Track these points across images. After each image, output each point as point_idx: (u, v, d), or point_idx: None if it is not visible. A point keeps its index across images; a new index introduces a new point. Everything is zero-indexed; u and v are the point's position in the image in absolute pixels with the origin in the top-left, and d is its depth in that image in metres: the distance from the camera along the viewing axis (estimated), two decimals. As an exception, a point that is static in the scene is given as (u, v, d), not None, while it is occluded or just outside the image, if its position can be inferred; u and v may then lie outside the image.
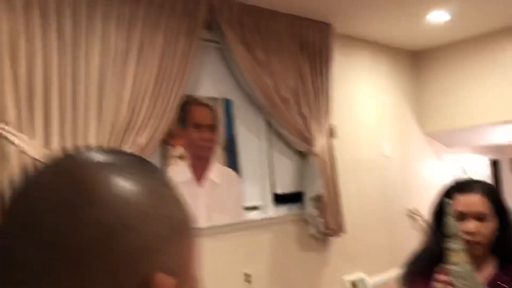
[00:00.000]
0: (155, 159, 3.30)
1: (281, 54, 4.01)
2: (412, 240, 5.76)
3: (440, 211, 1.47)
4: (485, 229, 1.44)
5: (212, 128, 3.61)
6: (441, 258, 1.35)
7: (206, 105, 3.61)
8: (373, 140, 5.14)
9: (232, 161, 3.74)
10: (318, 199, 4.13)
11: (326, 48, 4.44)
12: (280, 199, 4.16)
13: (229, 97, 3.80)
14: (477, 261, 1.40)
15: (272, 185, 4.08)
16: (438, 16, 4.57)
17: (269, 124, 4.08)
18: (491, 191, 1.50)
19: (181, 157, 3.41)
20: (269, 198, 4.04)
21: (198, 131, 3.53)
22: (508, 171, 7.88)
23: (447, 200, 1.38)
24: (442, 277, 1.29)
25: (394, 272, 4.90)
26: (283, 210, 4.16)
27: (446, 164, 6.32)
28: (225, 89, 3.81)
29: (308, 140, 4.13)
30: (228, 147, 3.72)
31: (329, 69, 4.44)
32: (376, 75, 5.35)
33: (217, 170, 3.60)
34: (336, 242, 4.41)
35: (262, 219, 3.93)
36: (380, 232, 4.79)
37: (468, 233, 1.42)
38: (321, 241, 4.32)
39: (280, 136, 4.14)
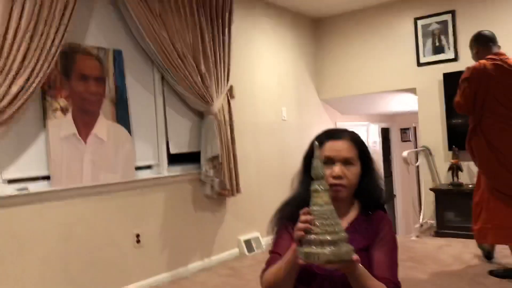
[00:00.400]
0: (34, 111, 3.00)
1: (179, 8, 3.81)
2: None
3: (310, 157, 1.47)
4: (351, 173, 1.48)
5: (100, 80, 3.35)
6: (308, 202, 1.35)
7: (93, 55, 3.34)
8: (272, 103, 5.17)
9: (122, 117, 3.52)
10: (214, 160, 4.07)
11: (228, 7, 4.31)
12: (175, 158, 4.04)
13: (120, 47, 3.55)
14: (341, 205, 1.44)
15: (167, 144, 3.94)
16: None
17: (164, 80, 3.90)
18: (358, 139, 1.54)
19: (63, 110, 3.13)
20: (163, 157, 3.90)
21: (84, 82, 3.26)
22: (398, 139, 8.45)
23: (315, 143, 1.38)
24: (304, 216, 1.26)
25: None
26: (178, 170, 4.04)
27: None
28: (116, 40, 3.55)
29: (206, 99, 4.02)
30: (118, 102, 3.49)
31: (230, 29, 4.33)
32: (277, 39, 5.35)
33: (104, 126, 3.37)
34: (231, 203, 4.42)
35: (154, 179, 3.78)
36: (275, 193, 4.85)
37: (334, 176, 1.44)
38: (217, 202, 4.29)
39: (176, 93, 3.98)
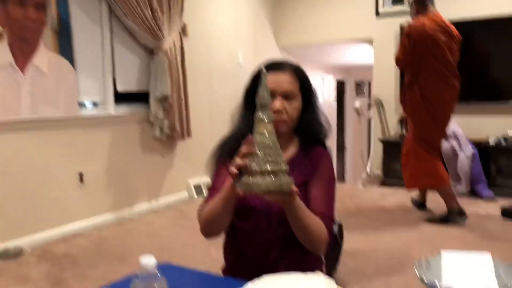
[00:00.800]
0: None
1: None
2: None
3: (251, 90, 1.40)
4: (292, 108, 1.40)
5: (40, 6, 3.10)
6: (251, 133, 1.31)
7: (32, -22, 3.06)
8: (228, 47, 5.02)
9: (65, 49, 3.30)
10: (164, 100, 3.94)
11: None
12: (122, 97, 3.87)
13: (62, -27, 3.28)
14: (280, 140, 1.31)
15: (114, 81, 3.75)
16: None
17: (113, 13, 3.66)
18: (300, 72, 1.44)
19: (-2, 36, 2.88)
20: (110, 94, 3.72)
21: (22, 8, 3.00)
22: (352, 92, 8.52)
23: (264, 70, 1.29)
24: (246, 145, 1.19)
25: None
26: (125, 109, 3.89)
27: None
28: (58, -37, 3.27)
29: (157, 36, 3.83)
30: (60, 32, 3.25)
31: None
32: (236, -22, 5.13)
33: (44, 56, 3.14)
34: (181, 146, 4.33)
35: (100, 117, 3.62)
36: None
37: (274, 111, 1.35)
38: (166, 144, 4.19)
39: (125, 27, 3.76)
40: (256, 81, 1.39)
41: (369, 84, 8.35)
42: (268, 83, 1.31)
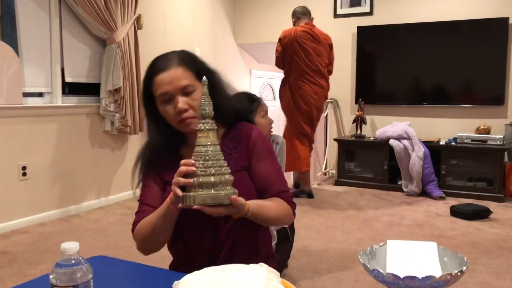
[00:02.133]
0: None
1: None
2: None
3: (148, 97, 1.32)
4: (195, 100, 1.29)
5: (-20, -13, 2.91)
6: (165, 145, 1.30)
7: (-27, -43, 2.87)
8: (185, 42, 4.91)
9: (9, 34, 3.11)
10: (115, 93, 3.79)
11: None
12: (71, 88, 3.70)
13: (7, -46, 3.10)
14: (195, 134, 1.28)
15: (62, 71, 3.58)
16: None
17: (62, 0, 3.50)
18: (187, 59, 1.32)
19: None
20: (57, 85, 3.55)
21: (-40, -12, 2.81)
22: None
23: (203, 79, 1.21)
24: (186, 160, 1.15)
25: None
26: (74, 101, 3.72)
27: (254, 79, 6.51)
28: None
29: (109, 26, 3.68)
30: (3, 16, 3.07)
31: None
32: (194, -28, 5.04)
33: (-15, 41, 2.96)
34: (133, 141, 4.19)
35: (46, 107, 3.45)
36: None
37: (181, 111, 1.27)
38: (117, 138, 4.05)
39: (75, 16, 3.60)
40: (147, 92, 1.31)
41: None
42: (161, 87, 1.26)
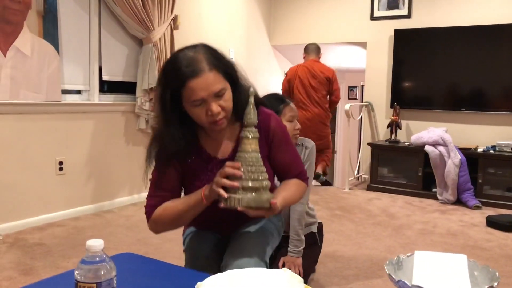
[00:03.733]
0: None
1: None
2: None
3: (169, 90, 1.32)
4: (226, 102, 1.32)
5: (25, -13, 3.02)
6: (185, 139, 1.37)
7: (19, -42, 2.98)
8: (220, 42, 4.94)
9: (51, 33, 3.21)
10: (151, 92, 3.86)
11: None
12: (108, 86, 3.79)
13: (51, -45, 3.20)
14: (226, 130, 1.40)
15: (100, 70, 3.67)
16: None
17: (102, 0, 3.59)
18: (216, 61, 1.32)
19: (-21, 16, 2.80)
20: (95, 83, 3.64)
21: (6, -12, 2.92)
22: (344, 96, 8.48)
23: (251, 89, 1.30)
24: (231, 163, 1.25)
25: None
26: (110, 99, 3.80)
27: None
28: None
29: (147, 27, 3.75)
30: (46, 15, 3.17)
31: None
32: (231, -26, 5.07)
33: (27, 39, 3.06)
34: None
35: (84, 105, 3.54)
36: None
37: (215, 115, 1.31)
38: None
39: (114, 15, 3.68)
40: (175, 95, 1.32)
41: (362, 88, 8.31)
42: (195, 93, 1.29)
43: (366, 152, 5.20)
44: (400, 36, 4.93)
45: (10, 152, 3.05)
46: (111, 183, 3.80)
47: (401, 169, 4.73)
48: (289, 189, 1.45)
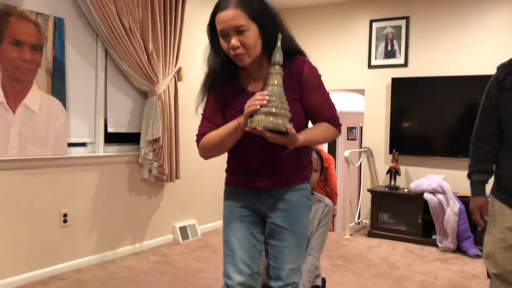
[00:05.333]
0: (-45, 74, 2.77)
1: (131, -20, 3.64)
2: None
3: (212, 27, 1.60)
4: (247, 39, 1.53)
5: (36, 47, 3.14)
6: (223, 69, 1.64)
7: (30, 21, 3.11)
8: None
9: (59, 89, 3.32)
10: (154, 143, 3.94)
11: (183, -15, 4.16)
12: (113, 137, 3.88)
13: (62, 16, 3.33)
14: (256, 69, 1.62)
15: (105, 122, 3.77)
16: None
17: (108, 55, 3.72)
18: (246, 2, 1.54)
19: (-9, 76, 2.90)
20: (100, 135, 3.73)
21: (18, 48, 3.04)
22: (344, 137, 8.58)
23: (279, 35, 1.55)
24: (262, 92, 1.49)
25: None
26: (114, 150, 3.88)
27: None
28: (58, 7, 3.33)
29: (151, 79, 3.87)
30: (54, 73, 3.28)
31: (184, 7, 4.18)
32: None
33: (36, 97, 3.16)
34: (169, 188, 4.31)
35: (88, 157, 3.61)
36: (216, 182, 4.80)
37: (233, 48, 1.53)
38: (154, 186, 4.17)
39: (120, 70, 3.81)
40: (211, 25, 1.60)
41: (361, 129, 8.41)
42: (219, 24, 1.55)
43: (366, 197, 5.25)
44: (397, 84, 5.06)
45: (16, 207, 3.11)
46: (114, 233, 3.83)
47: (401, 216, 4.77)
48: (316, 128, 1.64)
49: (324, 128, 1.65)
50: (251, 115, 1.49)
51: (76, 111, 3.52)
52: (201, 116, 1.76)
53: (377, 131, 5.27)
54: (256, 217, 1.73)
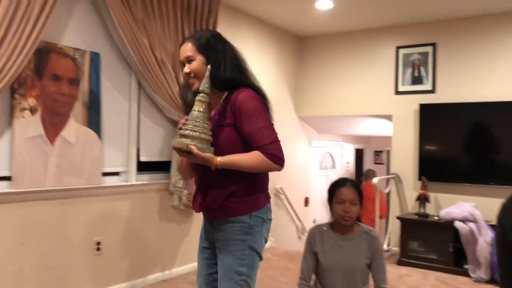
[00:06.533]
0: (0, 109, 2.90)
1: (162, 15, 3.77)
2: (274, 217, 6.02)
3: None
4: (194, 66, 1.82)
5: (73, 81, 3.27)
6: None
7: (69, 56, 3.26)
8: (249, 117, 5.14)
9: (94, 121, 3.44)
10: (184, 170, 4.02)
11: (212, 16, 4.28)
12: (144, 166, 3.97)
13: (97, 50, 3.48)
14: (211, 98, 1.79)
15: (138, 151, 3.87)
16: (324, 4, 4.66)
17: (141, 87, 3.84)
18: (199, 38, 1.86)
19: (32, 110, 3.04)
20: (132, 164, 3.82)
21: (56, 83, 3.18)
22: (371, 160, 8.53)
23: (208, 67, 1.79)
24: (184, 119, 1.73)
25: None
26: (146, 179, 3.97)
27: (315, 148, 6.61)
28: (93, 42, 3.48)
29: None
30: (90, 105, 3.41)
31: (212, 39, 4.30)
32: (259, 53, 5.34)
33: (73, 129, 3.28)
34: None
35: (121, 186, 3.70)
36: (244, 208, 4.83)
37: (185, 74, 1.85)
38: (184, 213, 4.24)
39: (152, 100, 3.92)
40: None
41: (388, 152, 8.35)
42: (180, 55, 1.86)
43: (395, 225, 5.19)
44: (426, 110, 5.05)
45: (52, 235, 3.20)
46: (145, 260, 3.89)
47: (432, 244, 4.69)
48: (242, 154, 1.77)
49: (251, 155, 1.75)
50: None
51: (110, 141, 3.63)
52: None
53: (405, 157, 5.24)
54: (211, 248, 1.99)
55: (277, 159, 1.77)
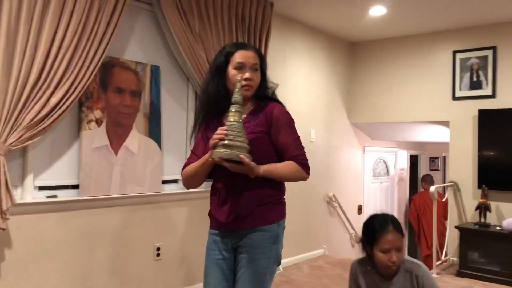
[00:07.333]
0: (70, 121, 3.09)
1: (218, 27, 3.87)
2: (327, 225, 6.04)
3: (222, 66, 1.92)
4: (256, 76, 1.92)
5: (135, 94, 3.43)
6: (222, 101, 1.91)
7: (131, 69, 3.41)
8: (302, 125, 5.17)
9: (154, 131, 3.58)
10: (239, 178, 4.09)
11: (266, 27, 4.35)
12: (201, 174, 4.07)
13: (157, 63, 3.62)
14: (247, 102, 1.90)
15: (194, 160, 3.98)
16: (377, 10, 4.61)
17: (197, 97, 3.95)
18: (259, 51, 1.95)
19: (98, 122, 3.20)
20: (189, 172, 3.94)
21: (120, 96, 3.34)
22: (426, 167, 8.30)
23: (238, 84, 1.82)
24: (219, 129, 1.75)
25: (309, 255, 4.99)
26: (203, 186, 4.06)
27: (368, 155, 6.53)
28: (154, 55, 3.63)
29: (236, 118, 4.05)
30: (151, 116, 3.55)
31: (266, 49, 4.37)
32: (312, 61, 5.36)
33: (135, 139, 3.43)
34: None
35: (180, 193, 3.82)
36: (298, 216, 4.86)
37: (246, 79, 1.88)
38: (238, 220, 4.30)
39: (208, 110, 4.02)
40: (226, 58, 1.92)
41: (444, 159, 8.11)
42: (240, 58, 1.89)
43: (453, 234, 5.03)
44: (485, 116, 4.87)
45: (117, 241, 3.35)
46: (202, 266, 3.97)
47: (493, 255, 4.51)
48: (280, 163, 1.87)
49: (287, 165, 1.86)
50: (214, 147, 1.74)
51: (169, 150, 3.76)
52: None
53: (463, 165, 5.08)
54: (228, 259, 2.00)
55: (307, 168, 1.93)
